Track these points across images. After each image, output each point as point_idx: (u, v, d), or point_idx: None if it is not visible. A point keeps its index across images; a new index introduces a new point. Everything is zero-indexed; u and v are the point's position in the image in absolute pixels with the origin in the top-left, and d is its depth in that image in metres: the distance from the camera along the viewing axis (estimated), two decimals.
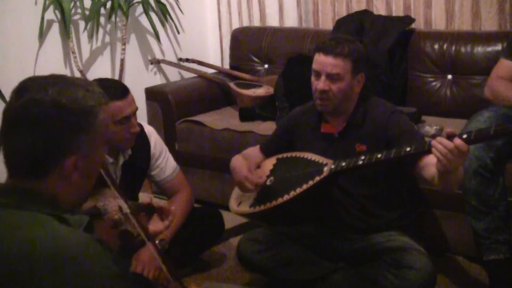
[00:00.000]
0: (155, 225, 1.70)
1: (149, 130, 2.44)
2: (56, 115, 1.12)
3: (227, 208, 2.35)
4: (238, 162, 2.28)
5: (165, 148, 2.50)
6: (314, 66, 2.14)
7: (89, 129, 1.16)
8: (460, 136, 1.72)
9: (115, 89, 2.17)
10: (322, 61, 2.11)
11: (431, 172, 1.93)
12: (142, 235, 1.50)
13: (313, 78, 2.15)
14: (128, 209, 1.47)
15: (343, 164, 2.03)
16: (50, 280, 1.02)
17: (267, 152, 2.39)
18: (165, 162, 2.47)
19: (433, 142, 1.75)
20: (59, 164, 1.14)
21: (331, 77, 2.09)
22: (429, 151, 1.80)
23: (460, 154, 1.71)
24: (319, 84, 2.11)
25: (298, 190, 2.05)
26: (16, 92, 1.17)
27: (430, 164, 1.93)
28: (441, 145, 1.72)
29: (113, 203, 1.52)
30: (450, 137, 1.72)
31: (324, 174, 2.05)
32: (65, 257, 1.04)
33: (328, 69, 2.09)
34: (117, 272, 1.10)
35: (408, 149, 1.88)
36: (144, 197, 1.61)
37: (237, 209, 2.25)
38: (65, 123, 1.13)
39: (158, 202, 1.73)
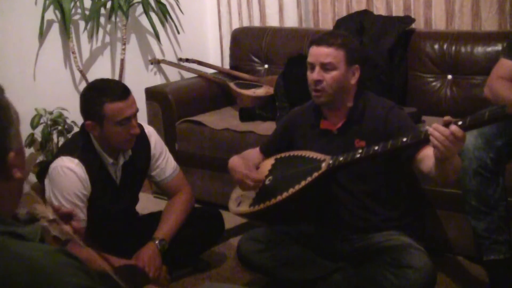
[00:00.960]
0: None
1: (149, 131, 2.44)
2: None
3: (227, 208, 2.35)
4: (235, 161, 2.28)
5: (165, 149, 2.50)
6: (309, 59, 2.15)
7: (12, 120, 1.09)
8: (455, 123, 1.73)
9: (116, 90, 2.18)
10: (315, 52, 2.12)
11: (429, 164, 1.94)
12: (74, 237, 1.44)
13: (308, 73, 2.16)
14: (53, 215, 1.42)
15: (341, 158, 2.03)
16: None
17: (267, 153, 2.39)
18: (165, 163, 2.47)
19: (430, 130, 1.77)
20: (4, 162, 1.06)
21: (324, 67, 2.10)
22: (425, 140, 1.81)
23: (457, 141, 1.73)
24: (313, 75, 2.12)
25: (297, 187, 2.05)
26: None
27: (427, 157, 1.94)
28: (438, 132, 1.74)
29: (38, 209, 1.46)
30: (446, 124, 1.74)
31: (322, 169, 2.05)
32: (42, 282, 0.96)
33: (321, 58, 2.10)
34: (90, 283, 1.02)
35: (404, 139, 1.89)
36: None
37: (236, 210, 2.25)
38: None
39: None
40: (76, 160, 2.20)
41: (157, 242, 2.32)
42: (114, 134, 2.18)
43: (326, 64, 2.10)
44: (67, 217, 1.50)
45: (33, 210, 1.40)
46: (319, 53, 2.11)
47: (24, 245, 1.02)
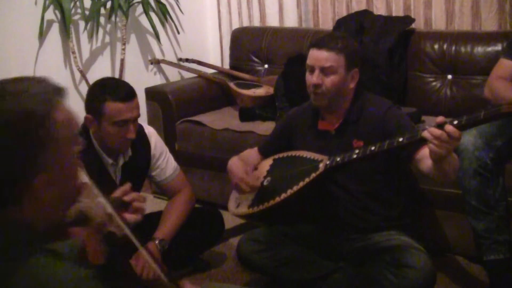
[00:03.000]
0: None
1: (150, 131, 2.44)
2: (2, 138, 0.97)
3: (227, 208, 2.35)
4: (234, 164, 2.29)
5: (165, 149, 2.50)
6: (308, 61, 2.15)
7: (49, 138, 1.00)
8: (451, 123, 1.73)
9: (121, 91, 2.17)
10: (315, 55, 2.12)
11: (428, 164, 1.94)
12: (128, 233, 1.42)
13: (307, 75, 2.16)
14: (110, 208, 1.39)
15: (338, 159, 2.03)
16: None
17: (265, 153, 2.39)
18: (165, 163, 2.47)
19: (425, 133, 1.76)
20: (29, 187, 1.00)
21: (324, 71, 2.10)
22: (422, 140, 1.81)
23: (452, 140, 1.73)
24: (312, 78, 2.12)
25: (295, 188, 2.05)
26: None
27: (426, 157, 1.94)
28: (433, 136, 1.73)
29: (95, 203, 1.42)
30: (441, 124, 1.73)
31: (320, 170, 2.05)
32: None
33: (322, 62, 2.10)
34: None
35: (401, 139, 1.89)
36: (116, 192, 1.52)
37: (235, 211, 2.25)
38: (16, 144, 0.98)
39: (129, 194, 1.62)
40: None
41: (157, 242, 2.31)
42: (109, 134, 2.18)
43: (326, 68, 2.10)
44: (126, 205, 1.48)
45: (86, 208, 1.37)
46: (319, 56, 2.11)
47: (62, 268, 0.99)
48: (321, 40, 2.15)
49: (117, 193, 1.50)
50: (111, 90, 2.16)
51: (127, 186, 1.50)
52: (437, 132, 1.73)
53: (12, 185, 1.00)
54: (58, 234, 1.12)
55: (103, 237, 1.36)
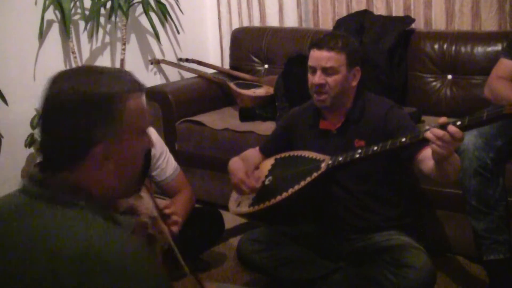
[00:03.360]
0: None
1: (150, 131, 2.43)
2: (76, 102, 1.11)
3: (227, 208, 2.35)
4: (236, 164, 2.28)
5: (165, 149, 2.49)
6: (310, 62, 2.15)
7: (114, 115, 1.12)
8: (454, 124, 1.73)
9: None
10: (316, 56, 2.12)
11: (429, 165, 1.94)
12: (171, 242, 1.46)
13: (309, 75, 2.16)
14: (156, 213, 1.44)
15: (340, 159, 2.03)
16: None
17: (266, 153, 2.39)
18: (165, 163, 2.47)
19: (427, 134, 1.76)
20: (89, 152, 1.12)
21: (326, 71, 2.10)
22: (425, 140, 1.81)
23: (455, 141, 1.73)
24: (314, 78, 2.12)
25: (297, 187, 2.05)
26: (47, 86, 1.16)
27: (427, 157, 1.94)
28: (435, 136, 1.73)
29: (143, 205, 1.47)
30: (444, 125, 1.73)
31: (322, 169, 2.05)
32: (119, 267, 1.03)
33: (323, 62, 2.10)
34: (162, 276, 1.11)
35: (403, 139, 1.88)
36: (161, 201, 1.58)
37: (236, 210, 2.25)
38: (85, 111, 1.11)
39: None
40: None
41: None
42: None
43: (328, 68, 2.10)
44: (166, 217, 1.54)
45: (138, 204, 1.41)
46: (320, 57, 2.11)
47: (119, 234, 1.08)
48: (321, 40, 2.15)
49: (161, 205, 1.58)
50: None
51: (169, 200, 1.59)
52: (440, 132, 1.72)
53: (76, 146, 1.12)
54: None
55: (145, 237, 1.45)
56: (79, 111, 1.11)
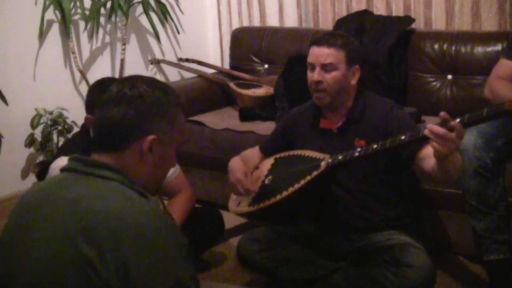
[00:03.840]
0: None
1: None
2: (148, 96, 1.29)
3: (227, 208, 2.35)
4: (235, 164, 2.28)
5: None
6: (309, 59, 2.15)
7: (170, 117, 1.31)
8: (454, 120, 1.73)
9: None
10: (316, 52, 2.12)
11: (430, 163, 1.93)
12: None
13: (308, 73, 2.16)
14: (162, 206, 1.52)
15: (340, 157, 2.02)
16: (131, 249, 1.13)
17: (266, 152, 2.39)
18: None
19: (426, 131, 1.76)
20: (141, 139, 1.27)
21: (325, 68, 2.10)
22: (424, 138, 1.80)
23: (455, 138, 1.72)
24: (313, 75, 2.12)
25: (297, 186, 2.05)
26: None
27: (428, 156, 1.94)
28: (435, 132, 1.73)
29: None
30: (443, 121, 1.73)
31: (322, 168, 2.05)
32: (146, 233, 1.15)
33: (322, 59, 2.10)
34: (183, 243, 1.24)
35: (403, 137, 1.88)
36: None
37: (236, 209, 2.24)
38: (153, 104, 1.28)
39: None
40: None
41: None
42: None
43: (327, 64, 2.10)
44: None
45: None
46: (319, 53, 2.12)
47: (148, 205, 1.22)
48: (321, 37, 2.15)
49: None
50: None
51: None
52: (439, 129, 1.72)
53: (131, 131, 1.27)
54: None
55: None
56: (147, 102, 1.28)
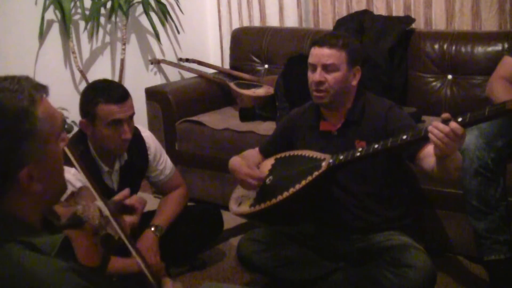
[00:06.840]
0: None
1: (147, 135, 2.43)
2: None
3: (227, 208, 2.35)
4: (236, 162, 2.28)
5: (163, 151, 2.51)
6: (310, 59, 2.15)
7: (32, 132, 1.03)
8: (455, 120, 1.73)
9: (114, 93, 2.17)
10: (317, 53, 2.12)
11: (431, 162, 1.94)
12: (123, 238, 1.42)
13: (309, 73, 2.16)
14: (108, 211, 1.41)
15: (341, 157, 2.02)
16: None
17: (266, 153, 2.39)
18: (163, 164, 2.49)
19: (430, 128, 1.76)
20: (13, 179, 1.03)
21: (326, 68, 2.10)
22: (425, 138, 1.80)
23: (456, 137, 1.73)
24: (315, 76, 2.12)
25: (298, 187, 2.05)
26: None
27: (429, 155, 1.94)
28: (437, 130, 1.73)
29: (92, 206, 1.43)
30: (446, 121, 1.73)
31: (323, 168, 2.05)
32: None
33: (323, 60, 2.10)
34: None
35: (404, 137, 1.88)
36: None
37: (237, 210, 2.24)
38: (1, 138, 1.01)
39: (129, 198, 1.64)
40: (73, 170, 2.19)
41: (153, 228, 2.34)
42: (104, 136, 2.16)
43: (328, 65, 2.10)
44: (130, 209, 1.50)
45: (83, 211, 1.37)
46: (321, 54, 2.11)
47: (36, 259, 1.00)
48: (322, 38, 2.15)
49: (117, 197, 1.53)
50: (104, 92, 2.15)
51: (127, 190, 1.53)
52: (442, 128, 1.72)
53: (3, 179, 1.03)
54: (50, 231, 1.14)
55: (100, 239, 1.37)
56: None
